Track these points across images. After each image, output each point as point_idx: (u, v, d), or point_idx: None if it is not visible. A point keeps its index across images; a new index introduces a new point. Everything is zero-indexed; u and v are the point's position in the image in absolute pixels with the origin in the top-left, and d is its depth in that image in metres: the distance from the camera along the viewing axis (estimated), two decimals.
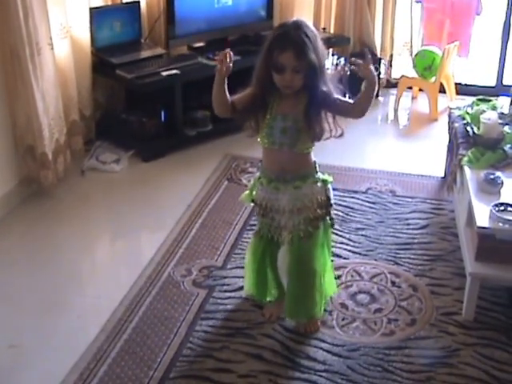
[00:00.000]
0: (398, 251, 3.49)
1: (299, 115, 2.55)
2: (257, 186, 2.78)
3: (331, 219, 2.78)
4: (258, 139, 2.66)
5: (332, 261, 3.04)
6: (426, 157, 4.65)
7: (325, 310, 3.00)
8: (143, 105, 4.66)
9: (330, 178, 2.75)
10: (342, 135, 2.66)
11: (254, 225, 3.66)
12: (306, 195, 2.67)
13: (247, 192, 2.86)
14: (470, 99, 4.08)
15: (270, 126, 2.58)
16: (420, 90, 5.69)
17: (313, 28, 2.48)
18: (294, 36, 2.40)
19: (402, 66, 5.82)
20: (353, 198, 4.01)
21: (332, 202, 2.75)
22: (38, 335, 2.91)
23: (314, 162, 2.71)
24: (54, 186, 4.02)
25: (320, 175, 2.72)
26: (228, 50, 2.48)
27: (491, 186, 3.04)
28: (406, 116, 5.53)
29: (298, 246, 2.73)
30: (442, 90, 5.41)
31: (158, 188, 4.19)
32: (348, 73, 5.64)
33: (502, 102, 3.84)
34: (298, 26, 2.43)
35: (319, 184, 2.70)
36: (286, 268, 2.82)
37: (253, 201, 2.82)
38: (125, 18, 4.67)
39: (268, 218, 2.78)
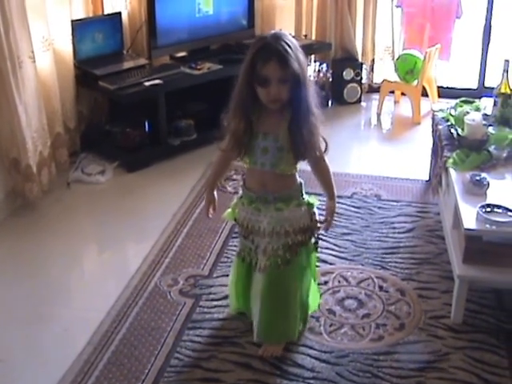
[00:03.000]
0: (384, 255, 3.49)
1: (281, 134, 2.48)
2: (238, 205, 2.73)
3: (316, 243, 2.75)
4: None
5: (318, 266, 3.04)
6: (410, 160, 4.67)
7: (312, 317, 3.00)
8: (127, 116, 4.65)
9: (316, 202, 2.70)
10: (326, 150, 2.60)
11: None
12: (288, 220, 2.60)
13: (229, 210, 2.80)
14: (452, 102, 4.08)
15: (252, 145, 2.52)
16: (402, 93, 5.72)
17: (293, 39, 2.43)
18: (275, 46, 2.35)
19: (384, 71, 5.84)
20: (338, 203, 3.90)
21: (318, 225, 2.71)
22: (25, 349, 2.88)
23: (300, 183, 2.66)
24: (39, 198, 4.01)
25: (306, 198, 2.67)
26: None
27: (477, 188, 3.02)
28: (389, 120, 5.55)
29: (274, 272, 2.64)
30: (424, 94, 5.43)
31: (143, 198, 4.18)
32: (330, 79, 5.67)
33: (485, 104, 3.85)
34: (278, 37, 2.39)
35: (303, 208, 2.64)
36: (260, 291, 2.70)
37: (235, 220, 2.77)
38: (106, 29, 4.66)
39: (249, 240, 2.72)
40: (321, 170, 2.66)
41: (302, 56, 2.43)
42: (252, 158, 2.55)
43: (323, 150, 2.58)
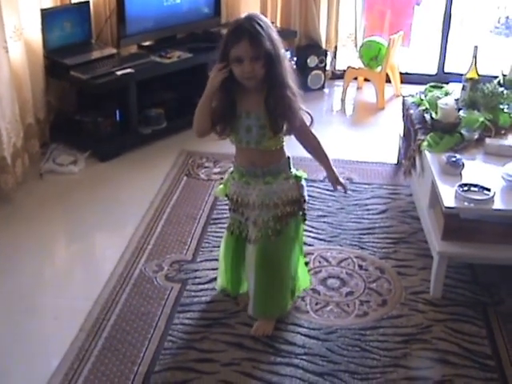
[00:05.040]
0: (361, 236, 3.60)
1: (261, 112, 2.57)
2: (230, 180, 2.82)
3: (304, 214, 2.84)
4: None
5: (304, 256, 3.13)
6: (377, 144, 4.79)
7: (298, 297, 3.09)
8: (96, 105, 4.65)
9: (304, 174, 2.80)
10: (311, 124, 2.71)
11: (218, 218, 3.74)
12: (276, 193, 2.70)
13: (221, 186, 2.89)
14: (413, 87, 4.18)
15: (236, 124, 2.61)
16: (365, 80, 5.82)
17: (265, 19, 2.53)
18: (247, 26, 2.45)
19: (347, 57, 5.93)
20: (311, 186, 4.06)
21: (305, 197, 2.80)
22: (17, 342, 2.88)
23: (288, 157, 2.75)
24: (13, 190, 3.99)
25: (294, 171, 2.77)
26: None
27: (453, 168, 3.15)
28: (353, 106, 5.65)
29: (266, 243, 2.74)
30: (387, 80, 5.54)
31: (118, 187, 4.20)
32: (294, 66, 5.74)
33: (453, 88, 3.97)
34: (251, 18, 2.48)
35: (291, 181, 2.74)
36: (253, 263, 2.81)
37: (227, 195, 2.86)
38: (75, 18, 4.63)
39: (238, 213, 2.81)
40: (310, 143, 2.77)
41: (274, 34, 2.52)
42: (237, 136, 2.65)
43: (308, 123, 2.69)
